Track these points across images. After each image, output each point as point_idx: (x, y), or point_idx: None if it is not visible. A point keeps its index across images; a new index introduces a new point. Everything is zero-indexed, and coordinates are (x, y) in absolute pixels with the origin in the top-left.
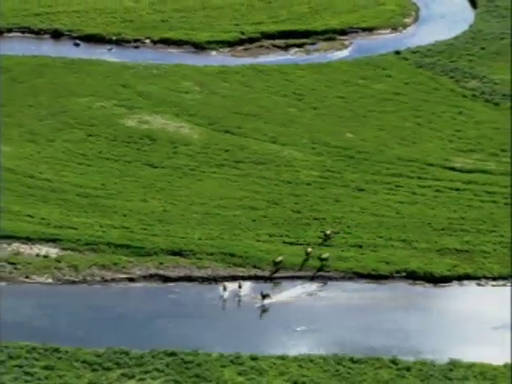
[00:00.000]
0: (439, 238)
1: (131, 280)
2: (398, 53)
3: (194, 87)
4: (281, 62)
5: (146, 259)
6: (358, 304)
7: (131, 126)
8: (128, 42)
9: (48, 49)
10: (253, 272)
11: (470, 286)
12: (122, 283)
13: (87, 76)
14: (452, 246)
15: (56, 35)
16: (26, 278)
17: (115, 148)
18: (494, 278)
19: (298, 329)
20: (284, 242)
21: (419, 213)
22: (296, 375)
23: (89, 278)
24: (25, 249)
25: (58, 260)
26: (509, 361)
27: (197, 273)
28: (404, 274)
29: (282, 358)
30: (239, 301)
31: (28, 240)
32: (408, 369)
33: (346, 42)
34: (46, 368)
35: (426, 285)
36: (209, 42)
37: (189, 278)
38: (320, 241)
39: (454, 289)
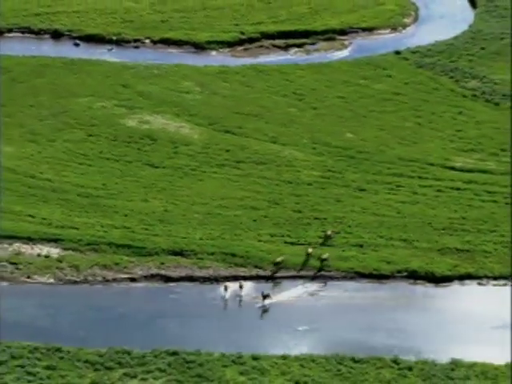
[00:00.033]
0: (440, 238)
1: (132, 280)
2: (398, 53)
3: (195, 87)
4: (281, 62)
5: (148, 259)
6: (359, 304)
7: (132, 126)
8: (128, 42)
9: (48, 49)
10: (254, 272)
11: (471, 286)
12: (124, 283)
13: (87, 76)
14: (453, 246)
15: (56, 35)
16: (28, 278)
17: (116, 148)
18: (495, 278)
19: (300, 328)
20: (285, 242)
21: (420, 212)
22: (298, 375)
23: (90, 278)
24: (26, 249)
25: (59, 260)
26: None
27: (198, 273)
28: (405, 273)
29: (284, 357)
30: (240, 301)
31: (29, 240)
32: (410, 368)
33: (346, 42)
34: (48, 368)
35: (427, 284)
36: (209, 42)
37: (190, 278)
38: (321, 241)
39: (455, 288)
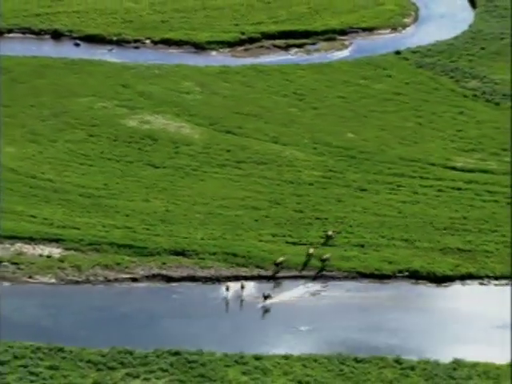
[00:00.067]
0: (441, 238)
1: (134, 280)
2: (398, 53)
3: (195, 87)
4: (281, 62)
5: (149, 259)
6: (361, 303)
7: (132, 126)
8: (128, 42)
9: (48, 49)
10: (255, 272)
11: (473, 286)
12: (125, 283)
13: (88, 76)
14: (454, 246)
15: (56, 36)
16: (29, 278)
17: (117, 148)
18: (497, 278)
19: (302, 328)
20: (286, 242)
21: (421, 212)
22: (300, 375)
23: (92, 278)
24: (28, 249)
25: (61, 260)
26: None
27: (200, 273)
28: (407, 273)
29: (286, 357)
30: (242, 301)
31: (31, 240)
32: (412, 368)
33: (346, 42)
34: (50, 368)
35: (429, 284)
36: (209, 43)
37: (192, 278)
38: (322, 241)
39: (457, 288)
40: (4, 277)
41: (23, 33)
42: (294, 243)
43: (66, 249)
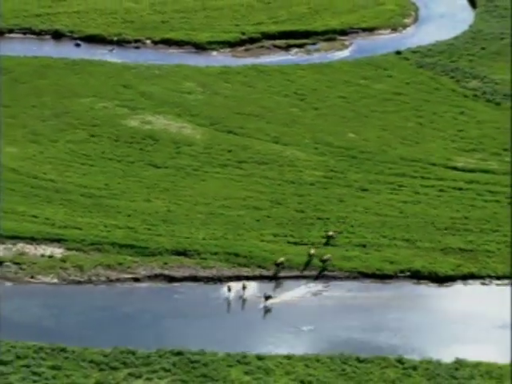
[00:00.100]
0: (443, 238)
1: (136, 280)
2: (398, 53)
3: (196, 88)
4: (282, 63)
5: (151, 259)
6: (363, 303)
7: (134, 126)
8: (129, 42)
9: (49, 49)
10: (257, 272)
11: (474, 286)
12: (127, 283)
13: (89, 77)
14: (456, 246)
15: (57, 36)
16: (32, 278)
17: (118, 148)
18: (498, 277)
19: (304, 328)
20: (288, 242)
21: (422, 212)
22: (302, 374)
23: (94, 278)
24: (30, 249)
25: (63, 260)
26: None
27: (201, 273)
28: (408, 273)
29: (289, 357)
30: (244, 301)
31: (33, 240)
32: (414, 368)
33: (347, 42)
34: (53, 368)
35: (430, 284)
36: (210, 43)
37: (194, 278)
38: (324, 241)
39: (458, 288)
40: (6, 277)
41: (24, 33)
42: (295, 243)
43: (68, 249)
